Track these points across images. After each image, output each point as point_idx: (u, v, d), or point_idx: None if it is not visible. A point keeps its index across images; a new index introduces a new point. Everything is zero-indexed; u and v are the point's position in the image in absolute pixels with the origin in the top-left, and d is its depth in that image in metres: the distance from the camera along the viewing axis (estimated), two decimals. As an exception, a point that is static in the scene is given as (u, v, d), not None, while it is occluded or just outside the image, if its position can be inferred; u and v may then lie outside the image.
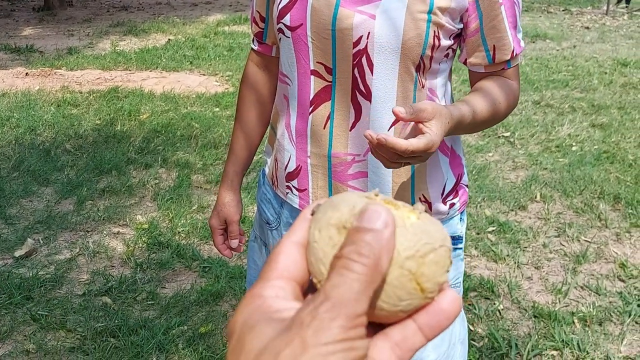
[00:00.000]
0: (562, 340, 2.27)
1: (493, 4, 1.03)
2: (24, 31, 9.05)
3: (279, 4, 1.08)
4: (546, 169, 3.88)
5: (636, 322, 2.40)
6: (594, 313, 2.43)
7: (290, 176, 1.17)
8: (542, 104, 5.29)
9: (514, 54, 1.10)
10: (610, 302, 2.52)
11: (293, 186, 1.17)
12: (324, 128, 1.09)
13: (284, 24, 1.08)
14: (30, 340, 2.25)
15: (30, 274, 2.67)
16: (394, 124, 1.06)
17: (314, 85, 1.08)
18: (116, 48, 7.53)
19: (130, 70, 6.43)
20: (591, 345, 2.25)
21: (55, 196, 3.46)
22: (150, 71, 6.40)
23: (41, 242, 2.97)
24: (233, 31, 8.78)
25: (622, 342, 2.28)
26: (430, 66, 1.05)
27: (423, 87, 1.07)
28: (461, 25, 1.05)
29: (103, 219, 3.19)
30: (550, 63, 6.84)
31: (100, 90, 5.53)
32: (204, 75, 6.29)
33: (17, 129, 4.53)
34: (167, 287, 2.61)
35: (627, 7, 12.03)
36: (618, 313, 2.44)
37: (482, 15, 1.04)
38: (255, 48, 1.27)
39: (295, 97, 1.12)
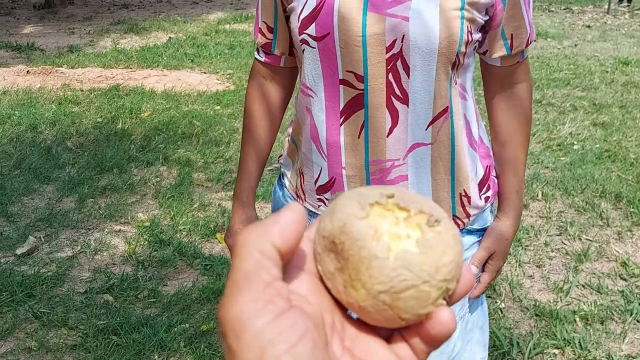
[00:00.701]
0: (564, 338, 2.27)
1: None
2: (24, 29, 9.05)
3: (300, 14, 1.03)
4: (547, 167, 3.87)
5: (638, 321, 2.40)
6: (596, 312, 2.43)
7: (323, 189, 1.14)
8: (544, 102, 5.28)
9: (529, 41, 1.10)
10: (612, 300, 2.52)
11: (326, 198, 1.15)
12: (359, 137, 1.06)
13: (308, 34, 1.02)
14: (32, 337, 2.25)
15: (32, 272, 2.67)
16: (431, 123, 1.05)
17: (344, 95, 1.04)
18: (117, 46, 7.53)
19: (131, 69, 6.43)
20: (593, 343, 2.25)
21: (56, 194, 3.46)
22: (152, 69, 6.40)
23: (43, 239, 2.97)
24: (234, 29, 8.78)
25: (623, 341, 2.28)
26: (463, 62, 1.05)
27: (456, 83, 1.06)
28: (487, 17, 1.04)
29: (104, 217, 3.20)
30: (551, 62, 6.83)
31: (101, 88, 5.53)
32: (205, 73, 6.29)
33: (18, 126, 4.53)
34: (168, 285, 2.62)
35: (628, 5, 12.02)
36: (620, 312, 2.44)
37: (506, 6, 1.04)
38: (262, 59, 1.21)
39: (323, 109, 1.07)
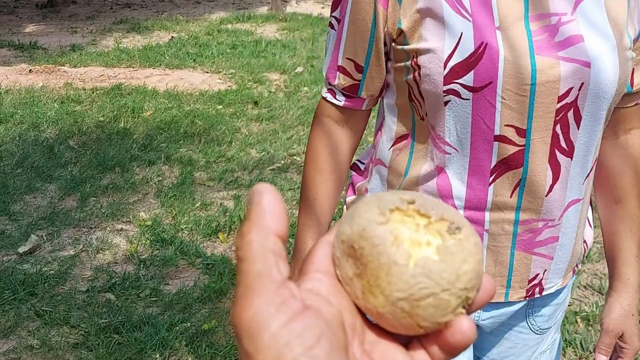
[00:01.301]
0: (565, 339, 2.27)
1: None
2: (27, 28, 9.07)
3: (449, 60, 0.85)
4: (549, 168, 3.87)
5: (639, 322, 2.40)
6: (597, 312, 2.43)
7: None
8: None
9: None
10: (613, 301, 2.52)
11: None
12: (511, 197, 0.92)
13: (462, 84, 0.85)
14: (34, 335, 2.26)
15: (34, 270, 2.67)
16: (587, 176, 0.96)
17: (498, 152, 0.89)
18: (119, 45, 7.54)
19: (133, 68, 6.43)
20: (594, 344, 2.25)
21: (58, 192, 3.46)
22: (154, 68, 6.41)
23: (45, 238, 2.98)
24: (236, 29, 8.79)
25: (625, 342, 2.28)
26: None
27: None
28: None
29: (106, 216, 3.20)
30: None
31: (103, 87, 5.54)
32: (207, 72, 6.29)
33: (20, 125, 4.54)
34: (170, 284, 2.62)
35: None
36: (621, 313, 2.44)
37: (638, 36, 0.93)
38: (341, 104, 1.01)
39: (465, 168, 0.92)
